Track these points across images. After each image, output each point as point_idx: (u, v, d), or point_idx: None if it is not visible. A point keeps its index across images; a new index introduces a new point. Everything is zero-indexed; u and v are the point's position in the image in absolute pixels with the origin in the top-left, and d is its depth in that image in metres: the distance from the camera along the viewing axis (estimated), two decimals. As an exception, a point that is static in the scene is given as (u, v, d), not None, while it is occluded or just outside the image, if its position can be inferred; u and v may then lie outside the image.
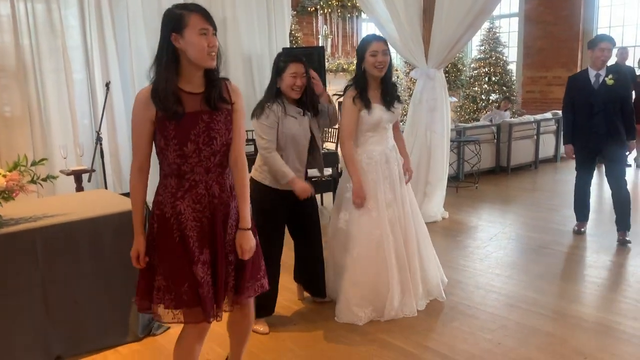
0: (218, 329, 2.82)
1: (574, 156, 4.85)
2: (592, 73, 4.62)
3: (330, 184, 5.51)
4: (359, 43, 3.47)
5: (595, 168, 4.92)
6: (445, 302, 3.60)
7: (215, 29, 2.05)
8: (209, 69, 2.09)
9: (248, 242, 2.19)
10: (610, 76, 4.52)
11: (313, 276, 3.55)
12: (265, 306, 3.26)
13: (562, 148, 8.93)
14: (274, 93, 3.11)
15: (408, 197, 3.52)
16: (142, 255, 2.15)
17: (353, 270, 3.35)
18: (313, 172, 5.66)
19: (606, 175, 4.74)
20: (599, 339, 3.09)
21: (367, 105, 3.29)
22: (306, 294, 3.71)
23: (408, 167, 3.54)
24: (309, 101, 3.19)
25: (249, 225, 2.22)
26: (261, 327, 3.25)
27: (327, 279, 3.57)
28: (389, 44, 3.47)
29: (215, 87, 2.11)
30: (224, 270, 2.17)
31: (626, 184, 4.67)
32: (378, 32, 6.21)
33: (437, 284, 3.63)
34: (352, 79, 3.48)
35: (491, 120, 8.55)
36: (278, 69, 3.10)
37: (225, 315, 2.36)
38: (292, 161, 3.16)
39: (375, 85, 3.35)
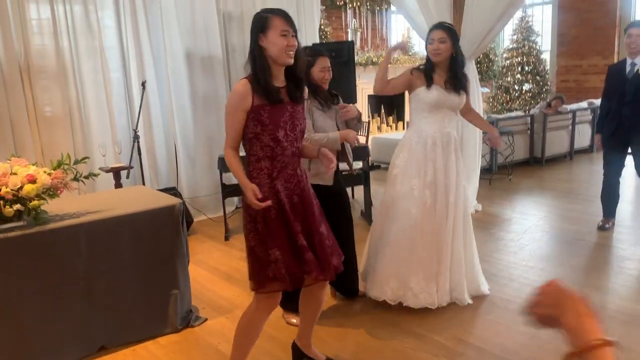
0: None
1: (600, 146, 4.78)
2: (628, 62, 4.52)
3: (360, 178, 5.53)
4: None
5: (625, 160, 4.74)
6: (479, 295, 3.59)
7: (295, 31, 2.34)
8: (289, 67, 2.37)
9: (329, 152, 2.54)
10: None
11: (345, 276, 3.45)
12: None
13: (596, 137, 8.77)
14: (309, 86, 3.09)
15: (459, 195, 3.46)
16: (257, 190, 2.30)
17: (387, 244, 3.45)
18: (340, 166, 5.70)
19: (635, 168, 4.60)
20: (635, 331, 3.05)
21: (429, 82, 3.36)
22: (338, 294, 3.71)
23: (493, 134, 3.58)
24: (329, 94, 3.32)
25: None
26: (295, 319, 3.32)
27: (367, 254, 3.64)
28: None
29: (300, 83, 2.44)
30: (318, 239, 2.47)
31: None
32: (407, 25, 6.19)
33: (463, 289, 3.49)
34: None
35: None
36: (308, 65, 3.10)
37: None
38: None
39: (441, 71, 3.40)
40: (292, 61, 2.35)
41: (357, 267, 3.57)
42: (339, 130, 3.29)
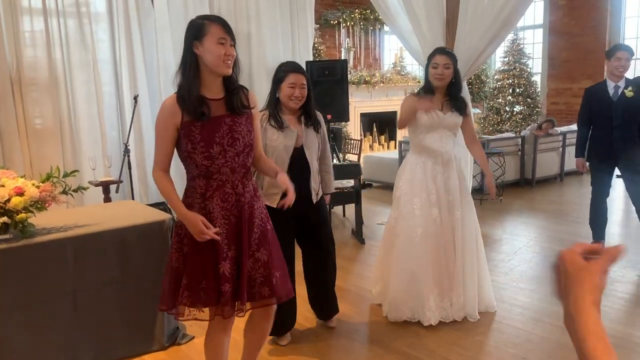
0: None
1: (584, 169, 4.75)
2: (610, 85, 4.48)
3: (352, 196, 5.52)
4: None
5: (612, 182, 4.72)
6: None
7: (233, 40, 2.20)
8: (226, 77, 2.24)
9: (286, 180, 2.39)
10: (629, 88, 4.36)
11: (319, 297, 3.43)
12: (286, 322, 3.26)
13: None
14: (272, 102, 3.08)
15: (468, 211, 3.52)
16: (206, 222, 2.18)
17: (397, 266, 3.47)
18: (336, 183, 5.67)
19: (627, 191, 4.58)
20: (625, 355, 3.04)
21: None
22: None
23: (489, 183, 3.64)
24: (307, 113, 3.12)
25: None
26: (283, 341, 3.27)
27: (379, 276, 3.65)
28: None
29: (236, 93, 2.28)
30: (248, 267, 2.28)
31: None
32: (400, 45, 6.24)
33: (475, 304, 3.51)
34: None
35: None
36: (277, 79, 3.06)
37: (241, 322, 2.41)
38: (271, 181, 2.86)
39: (439, 94, 3.47)
40: (230, 71, 2.21)
41: (333, 290, 3.46)
42: (301, 151, 3.06)
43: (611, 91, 4.49)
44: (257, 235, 2.33)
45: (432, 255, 3.39)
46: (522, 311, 3.65)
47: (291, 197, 2.36)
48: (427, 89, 3.49)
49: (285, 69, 3.06)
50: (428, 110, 3.33)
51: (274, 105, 3.07)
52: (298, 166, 3.05)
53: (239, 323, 2.57)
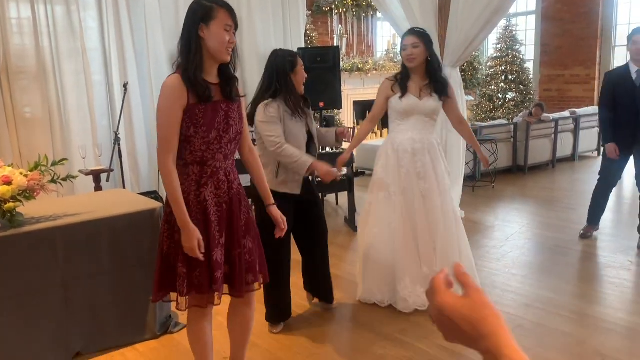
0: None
1: (617, 155, 4.48)
2: (633, 69, 4.37)
3: (345, 184, 5.51)
4: None
5: (624, 170, 4.65)
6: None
7: (236, 27, 2.19)
8: (223, 64, 2.21)
9: (279, 214, 2.53)
10: None
11: (321, 281, 3.50)
12: (283, 310, 3.29)
13: (580, 146, 8.86)
14: (289, 90, 3.04)
15: (445, 199, 3.46)
16: (201, 243, 2.18)
17: (372, 250, 3.49)
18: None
19: (636, 178, 4.54)
20: (617, 339, 3.06)
21: (403, 91, 3.38)
22: (315, 300, 3.67)
23: (481, 156, 3.68)
24: (305, 98, 3.20)
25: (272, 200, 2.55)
26: (277, 329, 3.28)
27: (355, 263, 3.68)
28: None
29: (232, 80, 2.27)
30: (238, 253, 2.30)
31: None
32: (393, 32, 6.20)
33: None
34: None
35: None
36: (291, 65, 3.04)
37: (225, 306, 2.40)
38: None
39: (417, 77, 3.41)
40: (229, 58, 2.19)
41: (329, 275, 3.50)
42: (310, 137, 3.19)
43: (634, 76, 4.36)
44: (244, 222, 2.35)
45: (403, 243, 3.39)
46: (514, 297, 3.66)
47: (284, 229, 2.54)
48: (404, 74, 3.42)
49: (291, 54, 3.12)
50: (330, 178, 3.09)
51: (290, 92, 3.05)
52: (309, 150, 3.17)
53: (224, 307, 2.56)
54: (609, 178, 4.67)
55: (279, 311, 3.29)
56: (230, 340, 2.62)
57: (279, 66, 3.05)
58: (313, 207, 3.32)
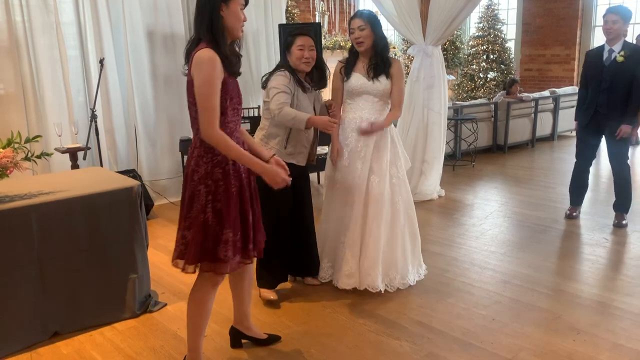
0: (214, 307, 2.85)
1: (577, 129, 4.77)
2: (606, 48, 4.43)
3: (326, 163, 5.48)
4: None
5: (597, 150, 4.73)
6: (441, 279, 3.63)
7: (246, 3, 2.34)
8: (232, 41, 2.34)
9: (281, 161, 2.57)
10: (621, 53, 4.31)
11: (308, 255, 3.53)
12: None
13: (559, 126, 8.95)
14: (287, 66, 3.19)
15: (382, 180, 3.40)
16: (286, 167, 2.44)
17: (327, 227, 3.59)
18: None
19: (608, 156, 4.62)
20: (592, 315, 3.12)
21: (347, 74, 3.47)
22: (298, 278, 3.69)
23: (374, 122, 3.37)
24: (317, 75, 3.31)
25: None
26: (272, 295, 3.36)
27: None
28: (388, 20, 3.51)
29: (239, 57, 2.38)
30: (257, 217, 2.50)
31: (628, 167, 4.57)
32: (375, 9, 6.14)
33: (401, 272, 3.48)
34: None
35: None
36: (286, 45, 3.19)
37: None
38: (299, 139, 3.23)
39: (364, 58, 3.47)
40: (241, 35, 2.34)
41: (316, 249, 3.55)
42: (314, 109, 3.28)
43: (605, 55, 4.44)
44: (252, 189, 2.48)
45: (341, 221, 3.47)
46: (493, 274, 3.71)
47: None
48: (353, 54, 3.49)
49: (292, 33, 3.21)
50: (331, 128, 3.12)
51: (290, 69, 3.18)
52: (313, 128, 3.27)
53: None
54: (581, 158, 4.77)
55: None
56: (235, 302, 2.76)
57: (283, 44, 3.23)
58: (304, 182, 3.42)
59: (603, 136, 4.61)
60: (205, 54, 2.18)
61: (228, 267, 2.34)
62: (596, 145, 4.73)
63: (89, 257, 3.03)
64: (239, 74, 2.34)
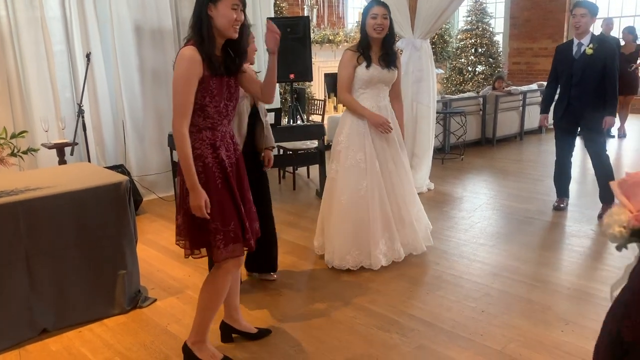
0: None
1: (546, 124, 5.00)
2: (575, 42, 4.54)
3: (316, 156, 5.48)
4: (364, 7, 3.66)
5: (575, 141, 4.84)
6: (430, 272, 3.65)
7: (244, 6, 2.36)
8: (230, 40, 2.36)
9: None
10: (590, 45, 4.42)
11: (265, 251, 3.43)
12: (272, 263, 3.56)
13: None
14: None
15: (400, 159, 3.74)
16: (208, 203, 2.33)
17: (340, 217, 3.62)
18: (296, 144, 5.63)
19: (585, 148, 4.71)
20: (580, 305, 3.15)
21: (368, 61, 3.54)
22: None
23: (402, 133, 3.82)
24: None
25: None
26: (272, 276, 3.53)
27: (320, 229, 3.86)
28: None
29: (242, 56, 2.43)
30: (249, 208, 2.54)
31: (607, 158, 4.63)
32: (364, 2, 6.13)
33: (424, 235, 3.94)
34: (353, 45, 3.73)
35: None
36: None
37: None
38: (238, 126, 3.11)
39: (376, 47, 3.57)
40: (236, 35, 2.35)
41: (276, 243, 3.57)
42: (255, 111, 3.26)
43: (574, 49, 4.52)
44: (242, 178, 2.55)
45: (380, 205, 3.61)
46: (482, 266, 3.73)
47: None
48: (365, 44, 3.57)
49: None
50: (384, 129, 3.57)
51: None
52: (255, 126, 3.26)
53: (196, 281, 2.55)
54: (559, 151, 4.87)
55: (272, 259, 3.53)
56: (230, 293, 2.75)
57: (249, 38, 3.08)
58: (257, 178, 3.33)
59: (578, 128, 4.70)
60: (185, 52, 2.27)
61: (222, 255, 2.39)
62: (573, 137, 4.81)
63: (77, 253, 3.01)
64: (223, 73, 2.35)
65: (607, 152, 4.68)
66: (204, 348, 2.59)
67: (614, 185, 1.11)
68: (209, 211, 2.32)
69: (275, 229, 3.54)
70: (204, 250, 2.46)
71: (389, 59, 3.57)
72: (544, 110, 4.93)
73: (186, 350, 2.60)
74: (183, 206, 2.41)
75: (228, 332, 2.85)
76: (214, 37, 2.31)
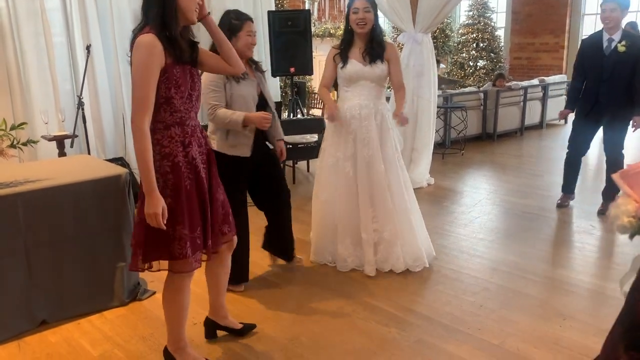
0: (199, 291, 2.85)
1: (562, 118, 4.88)
2: (605, 37, 4.37)
3: (316, 150, 5.46)
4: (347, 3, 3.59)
5: (594, 138, 4.71)
6: (429, 266, 3.64)
7: None
8: (185, 27, 2.21)
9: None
10: (623, 42, 4.26)
11: (283, 242, 3.59)
12: (240, 275, 3.28)
13: (547, 115, 8.98)
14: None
15: (391, 166, 3.50)
16: (165, 212, 2.12)
17: (320, 214, 3.64)
18: (296, 138, 5.62)
19: (604, 144, 4.61)
20: (578, 301, 3.16)
21: (344, 60, 3.46)
22: (280, 261, 3.73)
23: (397, 113, 3.43)
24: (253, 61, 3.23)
25: None
26: (240, 288, 3.34)
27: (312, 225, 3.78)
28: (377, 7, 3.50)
29: (196, 45, 2.28)
30: (216, 207, 2.39)
31: (623, 157, 4.55)
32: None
33: (417, 255, 3.56)
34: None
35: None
36: (232, 28, 3.00)
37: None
38: (239, 130, 3.06)
39: (360, 42, 3.47)
40: (197, 20, 2.22)
41: (291, 234, 3.61)
42: (263, 99, 3.19)
43: (605, 44, 4.38)
44: (213, 179, 2.41)
45: (346, 207, 3.50)
46: (481, 261, 3.73)
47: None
48: (348, 39, 3.48)
49: (237, 17, 3.05)
50: (330, 120, 3.42)
51: None
52: (259, 110, 3.15)
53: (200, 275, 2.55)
54: (575, 148, 4.75)
55: (240, 270, 3.25)
56: (211, 292, 2.73)
57: (223, 28, 2.94)
58: (271, 168, 3.37)
59: (600, 127, 4.57)
60: (144, 39, 2.07)
61: (190, 265, 2.26)
62: (593, 134, 4.67)
63: (76, 245, 3.01)
64: (194, 61, 2.25)
65: (624, 151, 4.60)
66: (185, 354, 2.49)
67: (616, 177, 1.11)
68: (164, 221, 2.10)
69: (289, 220, 3.53)
70: (163, 263, 2.27)
71: (373, 52, 3.41)
72: (570, 106, 4.69)
73: (167, 355, 2.52)
74: (138, 215, 2.21)
75: (212, 328, 2.80)
76: (177, 20, 2.12)
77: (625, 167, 1.39)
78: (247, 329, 2.85)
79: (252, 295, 3.30)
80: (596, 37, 4.48)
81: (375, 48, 3.42)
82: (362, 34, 3.42)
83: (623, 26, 4.41)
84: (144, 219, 2.14)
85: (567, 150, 4.82)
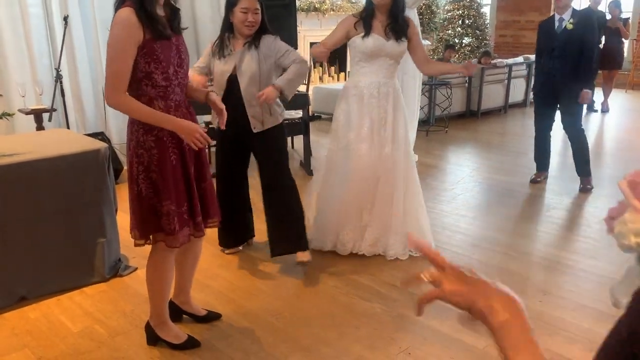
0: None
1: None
2: (556, 17, 4.60)
3: (300, 127, 5.43)
4: None
5: (555, 115, 4.84)
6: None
7: None
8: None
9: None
10: (571, 20, 4.48)
11: (284, 229, 3.24)
12: (242, 234, 3.49)
13: (531, 92, 9.01)
14: (225, 27, 3.05)
15: (399, 147, 3.35)
16: (201, 130, 2.17)
17: (329, 197, 3.45)
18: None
19: (562, 122, 4.75)
20: (558, 276, 3.20)
21: (367, 29, 3.19)
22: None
23: (467, 64, 3.33)
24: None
25: None
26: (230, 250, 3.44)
27: (315, 207, 3.58)
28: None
29: (177, 12, 2.24)
30: (204, 186, 2.38)
31: (582, 131, 4.67)
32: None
33: (387, 240, 3.42)
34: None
35: None
36: (229, 3, 2.99)
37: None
38: None
39: (382, 16, 3.23)
40: None
41: (296, 220, 3.26)
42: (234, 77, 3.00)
43: (557, 24, 4.58)
44: (200, 155, 2.37)
45: (358, 191, 3.32)
46: (463, 237, 3.76)
47: (224, 116, 2.39)
48: (369, 12, 3.22)
49: None
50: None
51: (226, 30, 3.05)
52: (232, 93, 3.01)
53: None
54: (539, 124, 4.90)
55: (234, 235, 3.43)
56: (178, 275, 2.63)
57: (226, 2, 3.00)
58: (259, 150, 3.18)
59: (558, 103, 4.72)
60: (120, 14, 2.04)
61: (178, 240, 2.25)
62: (552, 111, 4.82)
63: (55, 221, 2.96)
64: (178, 29, 2.20)
65: (583, 126, 4.71)
66: (167, 328, 2.49)
67: (623, 186, 0.96)
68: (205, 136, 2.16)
69: (299, 203, 3.25)
70: (160, 235, 2.28)
71: (398, 28, 3.18)
72: (533, 86, 4.94)
73: (149, 330, 2.50)
74: (130, 191, 2.24)
75: (177, 312, 2.69)
76: None
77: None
78: (210, 317, 2.73)
79: (233, 273, 3.29)
80: (550, 19, 4.72)
81: (402, 24, 3.20)
82: (382, 6, 3.18)
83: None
84: (137, 194, 2.19)
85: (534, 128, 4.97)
